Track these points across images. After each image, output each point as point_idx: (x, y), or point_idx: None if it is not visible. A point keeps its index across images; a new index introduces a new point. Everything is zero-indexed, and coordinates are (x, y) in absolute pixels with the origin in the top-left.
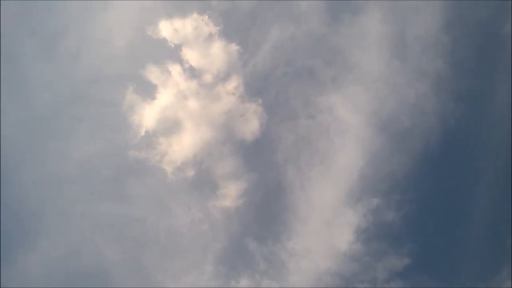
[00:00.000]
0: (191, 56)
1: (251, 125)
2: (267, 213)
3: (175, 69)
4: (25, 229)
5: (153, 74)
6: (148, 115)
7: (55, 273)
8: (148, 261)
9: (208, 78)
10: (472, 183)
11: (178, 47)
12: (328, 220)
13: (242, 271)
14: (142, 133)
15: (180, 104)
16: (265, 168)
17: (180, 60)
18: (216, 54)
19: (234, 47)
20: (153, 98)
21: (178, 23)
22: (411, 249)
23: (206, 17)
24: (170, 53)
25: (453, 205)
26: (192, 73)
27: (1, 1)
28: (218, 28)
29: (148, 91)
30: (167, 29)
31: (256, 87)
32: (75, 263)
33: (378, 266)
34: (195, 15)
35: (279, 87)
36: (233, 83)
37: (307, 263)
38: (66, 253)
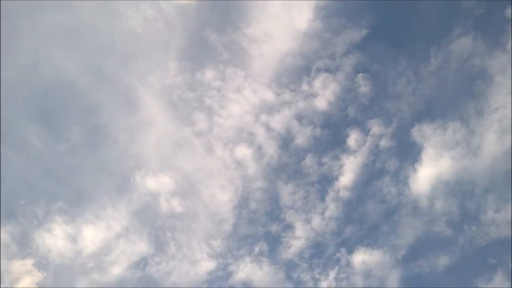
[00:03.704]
0: None
1: None
2: (223, 2)
3: None
4: None
5: None
6: None
7: (18, 94)
8: (110, 66)
9: None
10: None
11: None
12: (286, 1)
13: (206, 63)
14: None
15: None
16: None
17: None
18: None
19: None
20: None
21: None
22: (369, 20)
23: None
24: None
25: None
26: None
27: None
28: None
29: None
30: None
31: None
32: (35, 81)
33: (337, 40)
34: None
35: None
36: None
37: (268, 47)
38: (25, 72)
